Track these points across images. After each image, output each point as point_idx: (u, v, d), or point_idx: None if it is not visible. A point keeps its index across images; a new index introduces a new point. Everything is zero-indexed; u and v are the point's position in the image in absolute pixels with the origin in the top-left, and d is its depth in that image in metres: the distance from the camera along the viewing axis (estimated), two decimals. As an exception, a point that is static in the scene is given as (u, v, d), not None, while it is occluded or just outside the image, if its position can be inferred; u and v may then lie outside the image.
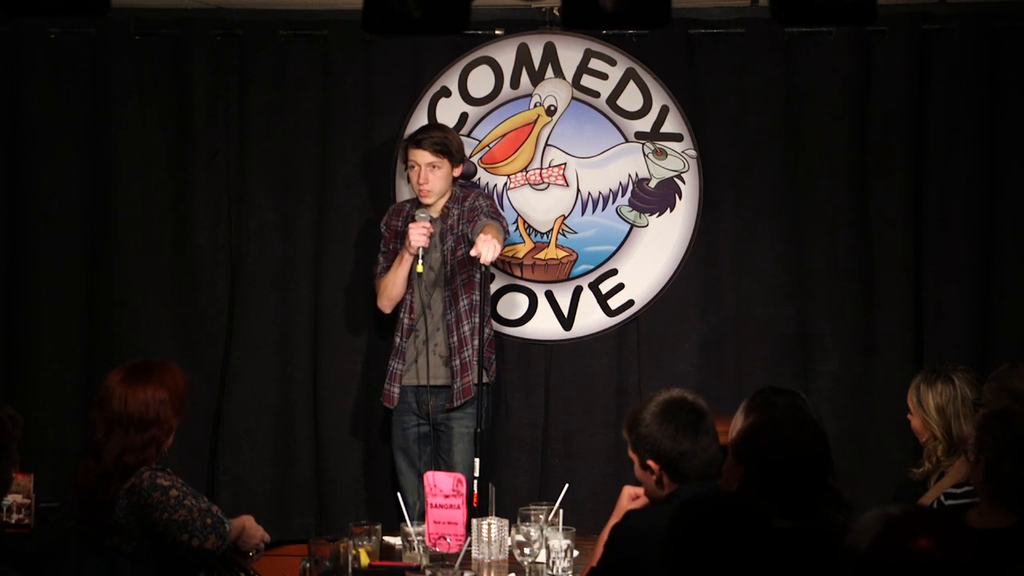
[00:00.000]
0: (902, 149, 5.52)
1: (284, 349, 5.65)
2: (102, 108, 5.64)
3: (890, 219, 5.54)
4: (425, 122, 5.51)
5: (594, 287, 5.64)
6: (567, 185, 5.63)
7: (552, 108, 5.62)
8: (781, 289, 5.58)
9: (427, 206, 5.18)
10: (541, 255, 5.64)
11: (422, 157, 5.15)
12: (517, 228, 5.61)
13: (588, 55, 5.59)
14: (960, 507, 3.57)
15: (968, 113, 5.47)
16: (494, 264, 5.00)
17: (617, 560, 3.27)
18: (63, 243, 5.66)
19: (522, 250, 5.63)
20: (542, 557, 3.89)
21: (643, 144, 5.60)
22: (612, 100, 5.59)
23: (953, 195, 5.50)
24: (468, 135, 5.59)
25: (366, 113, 5.65)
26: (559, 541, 3.91)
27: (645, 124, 5.59)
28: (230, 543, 3.69)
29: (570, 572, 3.88)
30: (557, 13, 5.49)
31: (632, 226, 5.62)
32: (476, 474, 4.69)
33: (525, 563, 3.86)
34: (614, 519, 3.48)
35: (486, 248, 4.79)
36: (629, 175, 5.61)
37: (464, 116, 5.61)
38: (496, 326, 5.54)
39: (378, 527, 4.13)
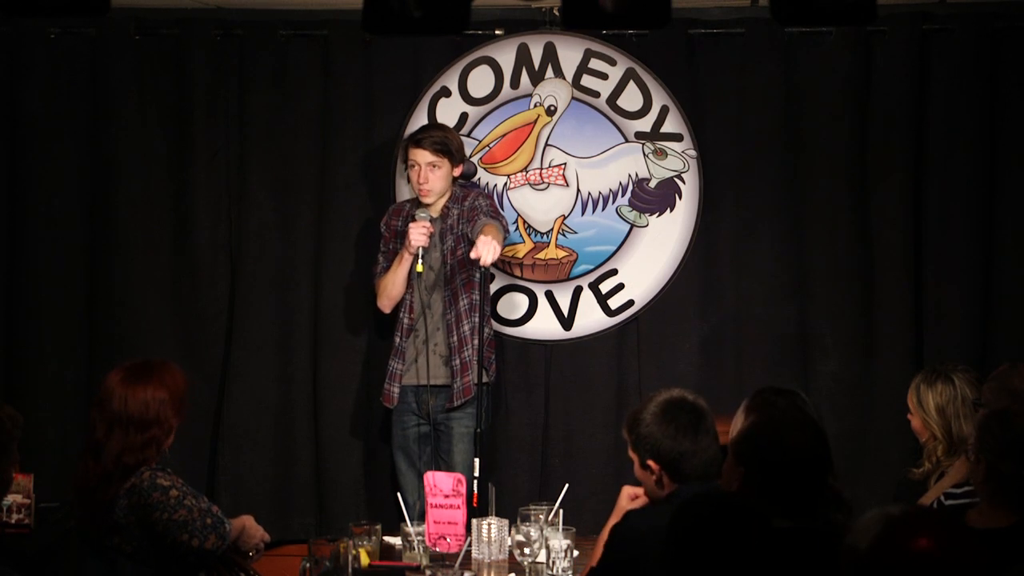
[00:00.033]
0: (902, 149, 5.52)
1: (284, 349, 5.65)
2: (102, 108, 5.64)
3: (890, 219, 5.54)
4: (425, 122, 5.51)
5: (594, 287, 5.64)
6: (567, 185, 5.63)
7: (552, 108, 5.62)
8: (781, 289, 5.59)
9: (427, 206, 5.18)
10: (541, 255, 5.64)
11: (422, 156, 5.15)
12: (517, 228, 5.61)
13: (588, 55, 5.59)
14: (960, 507, 3.57)
15: (968, 113, 5.47)
16: (494, 264, 5.00)
17: (617, 560, 3.27)
18: (63, 243, 5.66)
19: (522, 250, 5.63)
20: (542, 557, 3.89)
21: (643, 144, 5.60)
22: (612, 100, 5.59)
23: (953, 195, 5.50)
24: (468, 135, 5.59)
25: (366, 113, 5.65)
26: (559, 541, 3.91)
27: (645, 124, 5.59)
28: (230, 543, 3.69)
29: (570, 572, 3.88)
30: (557, 13, 5.50)
31: (632, 226, 5.62)
32: (476, 474, 4.69)
33: (525, 563, 3.86)
34: (613, 519, 3.48)
35: (486, 250, 4.78)
36: (629, 175, 5.61)
37: (464, 116, 5.61)
38: (496, 326, 5.54)
39: (378, 527, 4.13)
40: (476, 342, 5.04)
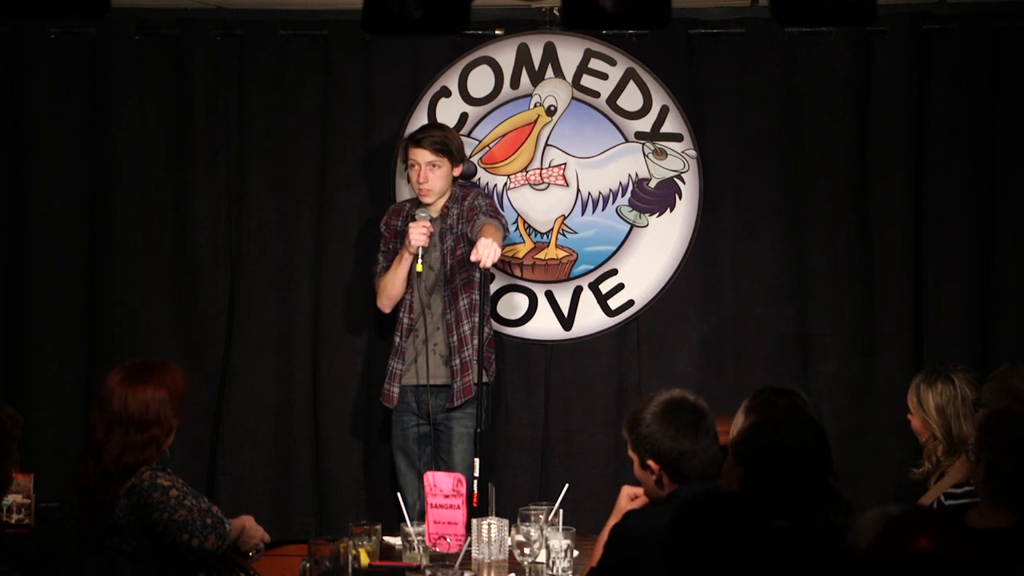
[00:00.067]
0: (902, 149, 5.52)
1: (284, 349, 5.65)
2: (102, 108, 5.65)
3: (890, 219, 5.54)
4: (425, 122, 5.51)
5: (594, 287, 5.64)
6: (567, 185, 5.63)
7: (552, 108, 5.62)
8: (781, 289, 5.58)
9: (427, 205, 5.18)
10: (541, 255, 5.64)
11: (422, 156, 5.15)
12: (517, 228, 5.61)
13: (588, 55, 5.59)
14: (960, 507, 3.57)
15: (968, 113, 5.47)
16: (494, 264, 5.00)
17: (617, 560, 3.27)
18: (63, 243, 5.66)
19: (522, 250, 5.63)
20: (542, 557, 3.89)
21: (643, 144, 5.60)
22: (612, 100, 5.59)
23: (953, 195, 5.50)
24: (468, 135, 5.59)
25: (366, 113, 5.65)
26: (559, 541, 3.91)
27: (645, 124, 5.59)
28: (230, 543, 3.69)
29: (570, 572, 3.88)
30: (557, 13, 5.49)
31: (632, 226, 5.62)
32: (476, 474, 4.69)
33: (525, 563, 3.86)
34: (613, 519, 3.48)
35: (486, 252, 4.77)
36: (629, 175, 5.61)
37: (464, 116, 5.61)
38: (496, 326, 5.54)
39: (378, 527, 4.13)
40: (476, 342, 5.05)
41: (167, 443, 3.69)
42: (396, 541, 4.25)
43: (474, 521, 3.99)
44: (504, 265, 5.59)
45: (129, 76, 5.63)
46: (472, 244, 4.92)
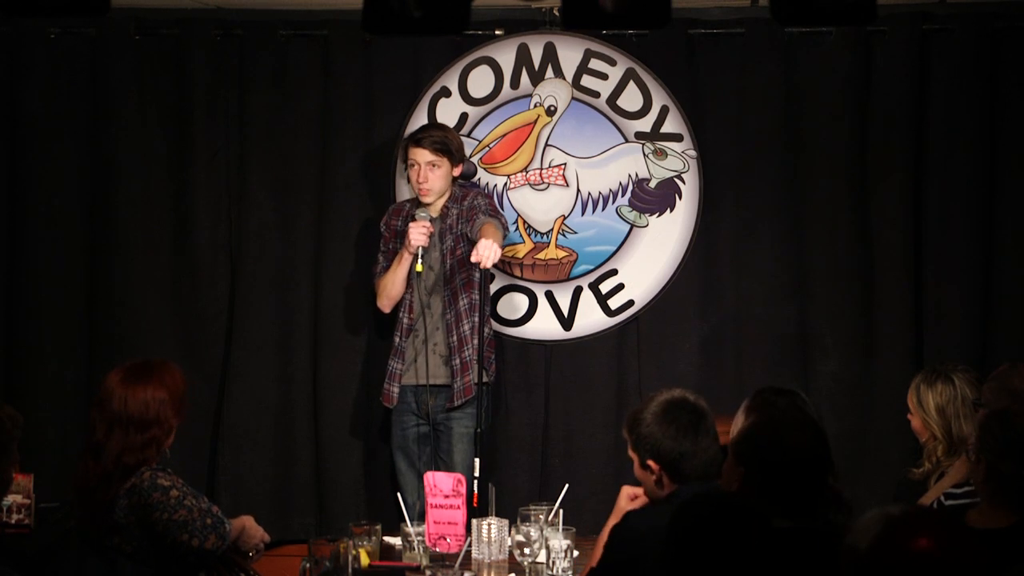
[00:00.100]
0: (902, 149, 5.52)
1: (284, 349, 5.65)
2: (102, 108, 5.65)
3: (890, 219, 5.54)
4: (425, 122, 5.51)
5: (594, 287, 5.64)
6: (567, 185, 5.63)
7: (552, 108, 5.62)
8: (781, 289, 5.58)
9: (427, 205, 5.18)
10: (541, 255, 5.64)
11: (422, 156, 5.15)
12: (517, 228, 5.61)
13: (588, 55, 5.59)
14: (960, 507, 3.57)
15: (968, 113, 5.47)
16: (494, 264, 5.00)
17: (617, 560, 3.27)
18: (63, 243, 5.66)
19: (522, 250, 5.63)
20: (542, 557, 3.89)
21: (643, 144, 5.60)
22: (612, 100, 5.59)
23: (953, 195, 5.50)
24: (468, 135, 5.59)
25: (366, 113, 5.65)
26: (559, 541, 3.91)
27: (645, 124, 5.59)
28: (230, 543, 3.69)
29: (570, 572, 3.88)
30: (557, 13, 5.49)
31: (632, 226, 5.62)
32: (476, 474, 4.69)
33: (525, 563, 3.86)
34: (613, 519, 3.49)
35: (487, 253, 4.77)
36: (629, 175, 5.61)
37: (464, 116, 5.61)
38: (496, 326, 5.54)
39: (378, 527, 4.13)
40: (476, 342, 5.05)
41: (167, 443, 3.69)
42: (396, 541, 4.25)
43: (474, 521, 3.99)
44: (504, 265, 5.59)
45: (129, 76, 5.63)
46: (472, 244, 4.93)
